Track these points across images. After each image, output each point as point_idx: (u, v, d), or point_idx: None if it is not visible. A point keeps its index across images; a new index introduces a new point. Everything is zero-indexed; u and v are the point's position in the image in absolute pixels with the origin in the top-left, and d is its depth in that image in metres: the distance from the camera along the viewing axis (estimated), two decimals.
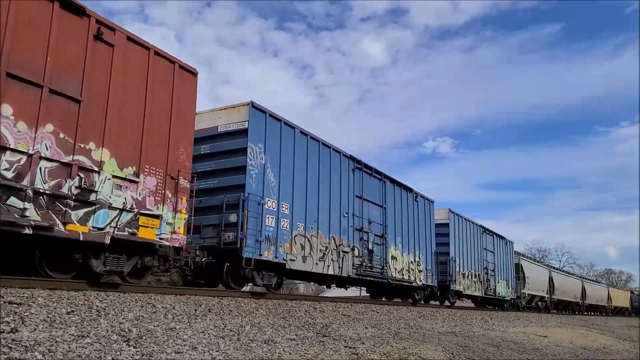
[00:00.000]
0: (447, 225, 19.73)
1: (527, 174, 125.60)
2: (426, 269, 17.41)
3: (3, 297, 5.25)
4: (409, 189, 16.86)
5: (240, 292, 10.15)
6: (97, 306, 5.97)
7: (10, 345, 4.11)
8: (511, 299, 26.19)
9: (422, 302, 17.56)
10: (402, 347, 7.67)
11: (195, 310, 7.21)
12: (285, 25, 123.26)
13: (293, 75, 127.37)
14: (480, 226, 23.10)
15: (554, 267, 39.45)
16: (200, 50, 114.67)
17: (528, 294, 28.73)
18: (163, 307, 6.80)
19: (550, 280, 33.38)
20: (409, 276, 15.99)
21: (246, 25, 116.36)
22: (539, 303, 31.39)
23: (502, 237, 26.01)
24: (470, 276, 21.05)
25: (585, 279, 47.90)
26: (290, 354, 5.98)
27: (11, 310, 4.97)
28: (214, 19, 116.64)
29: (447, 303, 20.04)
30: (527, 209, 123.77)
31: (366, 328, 9.08)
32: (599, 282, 55.80)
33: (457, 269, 19.72)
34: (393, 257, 15.16)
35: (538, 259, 53.98)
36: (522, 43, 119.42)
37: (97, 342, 4.68)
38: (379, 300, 15.69)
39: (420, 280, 16.82)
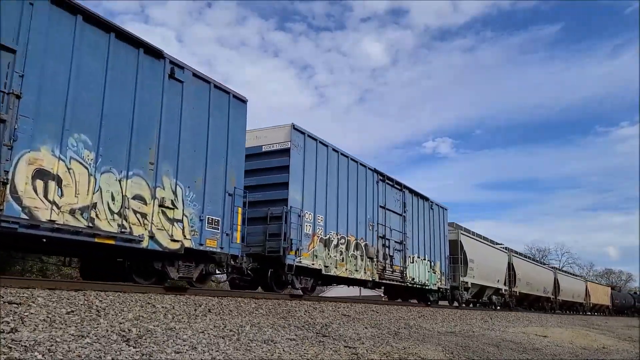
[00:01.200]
0: (286, 152, 11.32)
1: (527, 174, 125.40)
2: (202, 220, 8.82)
3: (3, 297, 5.25)
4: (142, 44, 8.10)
5: (240, 292, 10.07)
6: (97, 306, 5.97)
7: (10, 345, 4.11)
8: (442, 289, 18.72)
9: (198, 283, 9.65)
10: (402, 347, 7.68)
11: (195, 310, 7.21)
12: (286, 26, 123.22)
13: (293, 76, 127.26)
14: (375, 171, 14.63)
15: (516, 252, 29.68)
16: (201, 51, 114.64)
17: (473, 283, 21.03)
18: (163, 307, 6.80)
19: (511, 267, 25.87)
20: (125, 228, 7.41)
21: (246, 25, 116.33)
22: (494, 297, 23.99)
23: (425, 198, 17.67)
24: (344, 246, 12.78)
25: (559, 270, 40.61)
26: (290, 354, 5.98)
27: (11, 310, 4.97)
28: (215, 20, 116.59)
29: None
30: (527, 209, 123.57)
31: (366, 328, 9.08)
32: (575, 275, 47.23)
33: (308, 230, 11.49)
34: (47, 176, 6.46)
35: (538, 258, 51.10)
36: (522, 43, 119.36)
37: (97, 342, 4.69)
38: (379, 300, 14.65)
39: (178, 240, 8.29)
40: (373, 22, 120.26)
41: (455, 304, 20.19)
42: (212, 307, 7.65)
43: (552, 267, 39.04)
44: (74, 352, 4.32)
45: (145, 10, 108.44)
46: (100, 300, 6.22)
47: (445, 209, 19.75)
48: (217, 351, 5.40)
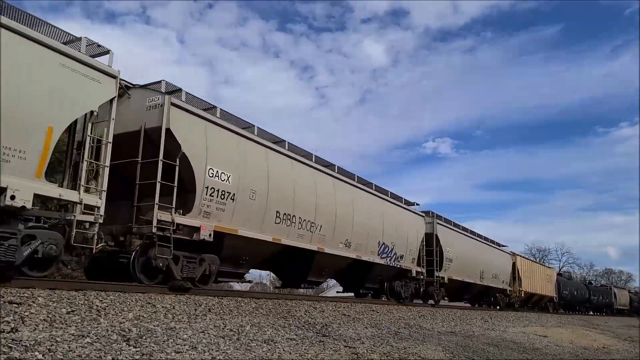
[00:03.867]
0: None
1: (527, 174, 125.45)
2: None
3: (3, 297, 5.25)
4: None
5: (240, 292, 10.09)
6: (97, 306, 5.97)
7: (10, 345, 4.11)
8: None
9: None
10: (402, 347, 7.67)
11: (195, 310, 7.21)
12: (287, 27, 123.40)
13: (294, 76, 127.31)
14: None
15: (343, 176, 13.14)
16: (202, 51, 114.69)
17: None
18: (163, 306, 6.80)
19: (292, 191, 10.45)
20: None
21: (247, 26, 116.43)
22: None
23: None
24: None
25: (443, 223, 18.94)
26: (290, 353, 5.98)
27: (11, 310, 4.97)
28: (216, 20, 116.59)
29: None
30: (527, 209, 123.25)
31: (366, 328, 9.08)
32: (492, 242, 24.39)
33: None
34: None
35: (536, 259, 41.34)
36: (522, 44, 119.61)
37: (97, 342, 4.69)
38: (379, 300, 14.99)
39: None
40: (373, 23, 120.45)
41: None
42: (212, 307, 7.65)
43: (428, 215, 18.40)
44: (74, 351, 4.32)
45: (146, 11, 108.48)
46: (101, 300, 6.22)
47: None
48: (217, 351, 5.40)
